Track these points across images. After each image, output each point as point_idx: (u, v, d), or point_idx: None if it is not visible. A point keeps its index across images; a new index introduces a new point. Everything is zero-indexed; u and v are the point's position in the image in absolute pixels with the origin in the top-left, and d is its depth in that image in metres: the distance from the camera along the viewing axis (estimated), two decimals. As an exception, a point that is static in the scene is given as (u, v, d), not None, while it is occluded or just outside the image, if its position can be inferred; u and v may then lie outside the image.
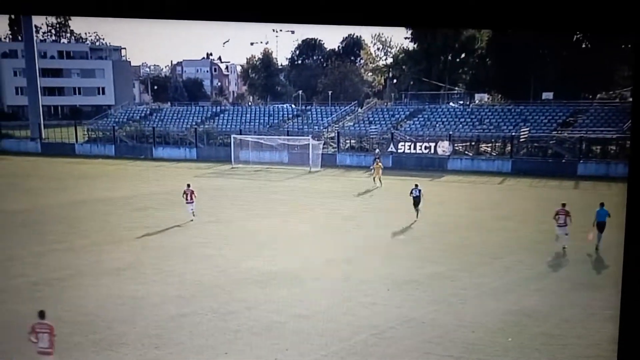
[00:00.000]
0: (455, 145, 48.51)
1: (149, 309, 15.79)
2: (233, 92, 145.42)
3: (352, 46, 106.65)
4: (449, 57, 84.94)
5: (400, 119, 54.77)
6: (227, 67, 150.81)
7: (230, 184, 39.23)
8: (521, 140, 47.48)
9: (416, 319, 15.14)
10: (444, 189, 37.54)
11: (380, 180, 36.97)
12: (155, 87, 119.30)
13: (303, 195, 34.38)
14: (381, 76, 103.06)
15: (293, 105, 72.36)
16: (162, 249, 21.93)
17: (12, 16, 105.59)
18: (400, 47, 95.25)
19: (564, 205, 22.24)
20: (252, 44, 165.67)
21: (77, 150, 60.07)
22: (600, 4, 1.98)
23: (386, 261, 20.54)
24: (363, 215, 28.94)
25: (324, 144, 50.14)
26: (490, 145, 50.62)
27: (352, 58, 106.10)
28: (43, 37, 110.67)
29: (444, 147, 47.11)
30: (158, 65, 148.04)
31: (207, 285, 17.82)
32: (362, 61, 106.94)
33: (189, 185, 27.55)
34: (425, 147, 47.79)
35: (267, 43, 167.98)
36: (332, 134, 54.11)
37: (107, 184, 33.16)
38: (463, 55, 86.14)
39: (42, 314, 12.23)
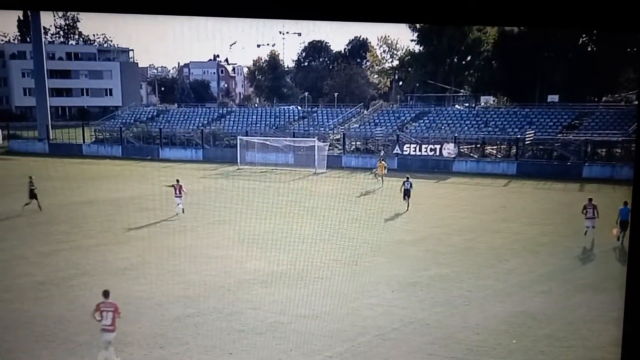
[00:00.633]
0: (461, 147, 48.51)
1: (154, 308, 15.85)
2: (239, 93, 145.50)
3: (358, 48, 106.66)
4: (455, 60, 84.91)
5: (405, 121, 54.78)
6: (233, 69, 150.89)
7: (236, 185, 39.30)
8: (526, 142, 47.44)
9: (420, 320, 15.16)
10: (449, 191, 37.53)
11: (382, 179, 37.05)
12: (162, 89, 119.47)
13: (308, 196, 34.41)
14: (387, 78, 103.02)
15: (299, 107, 72.50)
16: (167, 250, 21.99)
17: (21, 17, 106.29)
18: (406, 49, 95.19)
19: (590, 199, 23.55)
20: (258, 45, 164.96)
21: (84, 151, 60.28)
22: (607, 1, 2.00)
23: (391, 262, 20.55)
24: (368, 216, 28.94)
25: (329, 146, 50.22)
26: (495, 147, 50.60)
27: (358, 60, 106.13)
28: (51, 38, 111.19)
29: (449, 149, 47.09)
30: (165, 67, 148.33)
31: (212, 285, 17.88)
32: (368, 63, 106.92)
33: (178, 181, 28.41)
34: (431, 149, 47.79)
35: (273, 45, 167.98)
36: (338, 136, 54.18)
37: (114, 185, 33.24)
38: (469, 58, 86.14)
39: (106, 294, 12.93)
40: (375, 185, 37.36)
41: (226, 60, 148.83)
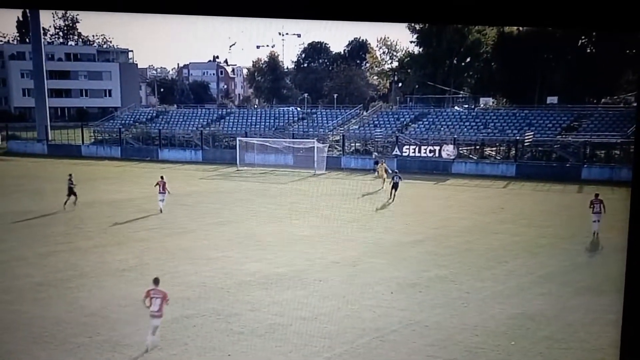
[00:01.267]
0: (460, 148, 48.53)
1: (153, 310, 15.81)
2: (239, 94, 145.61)
3: (358, 49, 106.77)
4: (454, 61, 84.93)
5: (405, 123, 54.80)
6: (233, 70, 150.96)
7: (235, 186, 39.31)
8: (525, 144, 47.48)
9: (420, 322, 15.14)
10: (448, 192, 37.55)
11: (384, 181, 37.06)
12: (162, 90, 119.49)
13: (308, 197, 34.40)
14: (386, 79, 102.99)
15: (298, 108, 72.46)
16: (166, 251, 21.98)
17: (20, 18, 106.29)
18: (405, 51, 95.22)
19: (597, 195, 24.32)
20: (258, 47, 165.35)
21: (83, 152, 60.28)
22: (607, 1, 1.98)
23: (390, 264, 20.53)
24: (367, 218, 28.95)
25: (329, 147, 50.24)
26: (494, 149, 50.65)
27: (358, 61, 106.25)
28: (51, 39, 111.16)
29: (448, 151, 47.10)
30: (164, 68, 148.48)
31: (211, 287, 17.86)
32: (367, 64, 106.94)
33: (162, 177, 29.13)
34: (430, 151, 47.80)
35: (273, 46, 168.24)
36: (337, 137, 54.21)
37: (113, 186, 33.29)
38: (468, 59, 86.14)
39: (156, 281, 13.72)
40: (375, 187, 37.31)
41: (225, 61, 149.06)
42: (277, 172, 45.28)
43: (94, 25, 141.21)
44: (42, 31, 72.83)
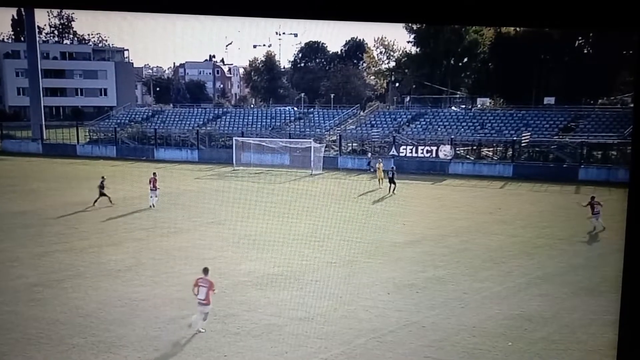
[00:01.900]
0: (457, 149, 48.51)
1: (149, 310, 15.76)
2: (235, 94, 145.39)
3: (355, 49, 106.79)
4: (452, 61, 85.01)
5: (402, 123, 54.78)
6: (229, 70, 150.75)
7: (231, 186, 39.19)
8: (522, 144, 47.50)
9: (417, 322, 15.09)
10: (445, 192, 37.52)
11: (381, 181, 37.09)
12: (158, 89, 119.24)
13: (304, 197, 34.32)
14: (383, 79, 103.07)
15: (295, 108, 72.42)
16: (162, 251, 21.89)
17: (15, 16, 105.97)
18: (402, 51, 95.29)
19: (593, 197, 25.42)
20: (255, 46, 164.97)
21: (78, 151, 60.07)
22: (607, 1, 1.96)
23: (387, 264, 20.49)
24: (364, 218, 28.90)
25: (325, 147, 50.16)
26: (491, 149, 50.65)
27: (355, 61, 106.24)
28: (46, 37, 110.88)
29: (445, 151, 47.09)
30: (160, 67, 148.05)
31: (207, 287, 17.76)
32: (364, 64, 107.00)
33: (154, 174, 29.89)
34: (427, 151, 47.78)
35: (270, 46, 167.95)
36: (334, 137, 54.16)
37: (108, 185, 33.03)
38: (465, 60, 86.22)
39: (205, 271, 14.44)
40: (372, 187, 37.30)
41: (222, 60, 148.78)
42: (274, 172, 45.19)
43: (90, 23, 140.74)
44: (37, 29, 72.63)
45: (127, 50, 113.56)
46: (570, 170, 43.06)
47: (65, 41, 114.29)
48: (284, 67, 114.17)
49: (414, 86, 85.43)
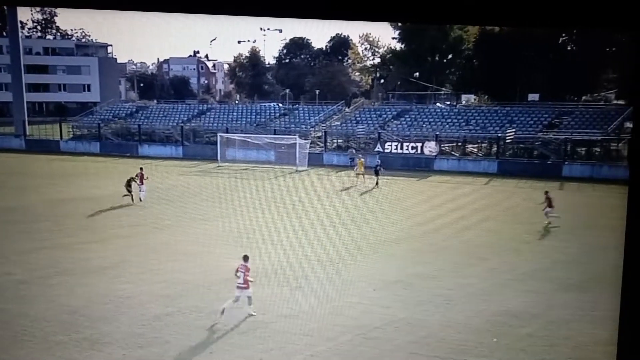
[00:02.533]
0: (442, 145, 48.65)
1: (134, 307, 15.68)
2: (220, 90, 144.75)
3: (340, 45, 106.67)
4: (436, 58, 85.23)
5: (387, 119, 54.83)
6: (214, 65, 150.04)
7: (216, 182, 39.07)
8: (507, 141, 47.72)
9: (402, 319, 15.12)
10: (431, 189, 37.64)
11: (363, 177, 37.16)
12: (142, 85, 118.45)
13: (290, 194, 34.24)
14: (369, 76, 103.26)
15: (280, 104, 72.22)
16: (148, 248, 21.78)
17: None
18: (387, 47, 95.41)
19: (547, 192, 27.47)
20: (239, 42, 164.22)
21: (61, 148, 59.50)
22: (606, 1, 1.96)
23: (372, 261, 20.52)
24: (349, 214, 28.89)
25: (311, 143, 50.12)
26: (476, 146, 50.84)
27: (340, 57, 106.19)
28: (28, 33, 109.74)
29: (430, 148, 47.22)
30: (144, 63, 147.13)
31: (193, 284, 17.71)
32: (349, 61, 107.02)
33: (141, 169, 30.25)
34: (412, 147, 47.88)
35: (254, 41, 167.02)
36: (319, 133, 54.11)
37: (93, 182, 32.86)
38: (450, 56, 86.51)
39: (246, 258, 15.71)
40: (357, 183, 37.32)
41: (206, 56, 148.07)
42: (259, 169, 45.10)
43: (73, 19, 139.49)
44: (19, 25, 71.84)
45: (111, 45, 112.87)
46: (554, 167, 43.34)
47: (48, 36, 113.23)
48: (268, 63, 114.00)
49: (399, 82, 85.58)
